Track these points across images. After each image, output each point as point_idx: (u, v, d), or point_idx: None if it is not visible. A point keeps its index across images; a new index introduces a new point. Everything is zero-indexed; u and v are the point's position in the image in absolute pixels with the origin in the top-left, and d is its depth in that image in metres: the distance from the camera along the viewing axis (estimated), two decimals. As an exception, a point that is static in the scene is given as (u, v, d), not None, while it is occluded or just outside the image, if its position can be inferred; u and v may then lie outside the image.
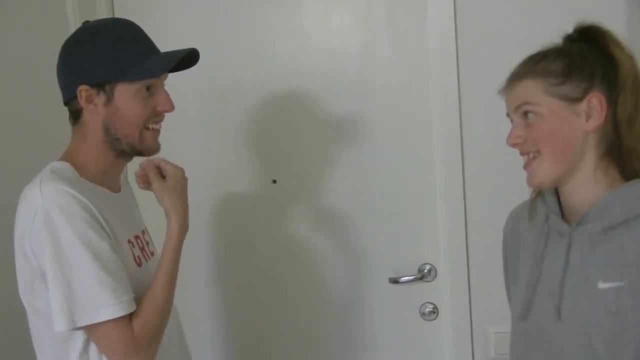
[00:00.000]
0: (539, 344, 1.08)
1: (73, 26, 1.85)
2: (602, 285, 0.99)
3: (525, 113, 1.06)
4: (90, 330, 1.13)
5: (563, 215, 1.10)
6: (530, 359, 1.11)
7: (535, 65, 1.06)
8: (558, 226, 1.08)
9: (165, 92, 1.26)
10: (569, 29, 1.10)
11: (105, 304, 1.10)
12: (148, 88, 1.22)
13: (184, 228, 1.26)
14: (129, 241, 1.25)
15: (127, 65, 1.19)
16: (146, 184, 1.29)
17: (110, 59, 1.19)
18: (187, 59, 1.27)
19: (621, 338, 0.96)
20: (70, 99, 1.23)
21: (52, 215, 1.10)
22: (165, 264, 1.22)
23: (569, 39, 1.09)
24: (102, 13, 1.90)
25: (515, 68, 1.09)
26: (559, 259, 1.06)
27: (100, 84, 1.19)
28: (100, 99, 1.20)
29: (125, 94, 1.20)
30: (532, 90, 1.04)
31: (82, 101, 1.20)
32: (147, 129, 1.25)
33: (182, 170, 1.29)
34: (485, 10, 1.73)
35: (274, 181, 1.92)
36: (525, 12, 1.70)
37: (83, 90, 1.19)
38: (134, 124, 1.22)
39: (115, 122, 1.21)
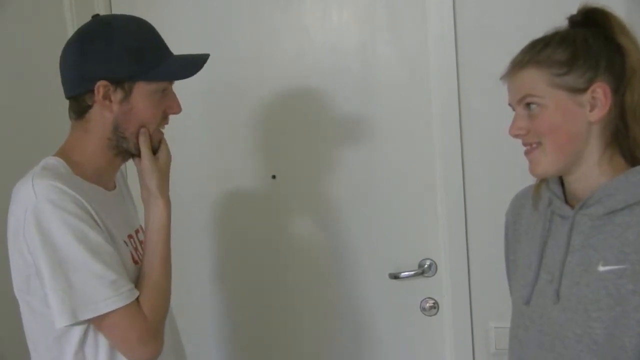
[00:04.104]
0: (540, 330, 1.07)
1: (70, 25, 1.85)
2: (602, 268, 0.98)
3: (528, 104, 1.04)
4: (99, 324, 1.13)
5: (567, 201, 1.08)
6: (531, 345, 1.09)
7: (538, 53, 1.03)
8: (561, 210, 1.07)
9: (175, 95, 1.26)
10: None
11: (105, 297, 1.10)
12: (163, 90, 1.21)
13: (170, 213, 1.25)
14: (124, 240, 1.24)
15: (149, 65, 1.18)
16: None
17: (134, 57, 1.17)
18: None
19: (621, 323, 0.95)
20: (81, 93, 1.18)
21: (45, 212, 1.08)
22: (161, 249, 1.21)
23: (573, 22, 1.07)
24: (99, 12, 1.88)
25: (518, 54, 1.07)
26: (560, 242, 1.05)
27: (120, 81, 1.17)
28: (117, 96, 1.17)
29: (143, 93, 1.18)
30: (535, 80, 1.02)
31: (98, 97, 1.16)
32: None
33: (171, 158, 1.29)
34: (484, 7, 1.72)
35: (274, 177, 1.92)
36: (525, 9, 1.70)
37: (102, 87, 1.16)
38: (147, 125, 1.21)
39: (127, 121, 1.19)
